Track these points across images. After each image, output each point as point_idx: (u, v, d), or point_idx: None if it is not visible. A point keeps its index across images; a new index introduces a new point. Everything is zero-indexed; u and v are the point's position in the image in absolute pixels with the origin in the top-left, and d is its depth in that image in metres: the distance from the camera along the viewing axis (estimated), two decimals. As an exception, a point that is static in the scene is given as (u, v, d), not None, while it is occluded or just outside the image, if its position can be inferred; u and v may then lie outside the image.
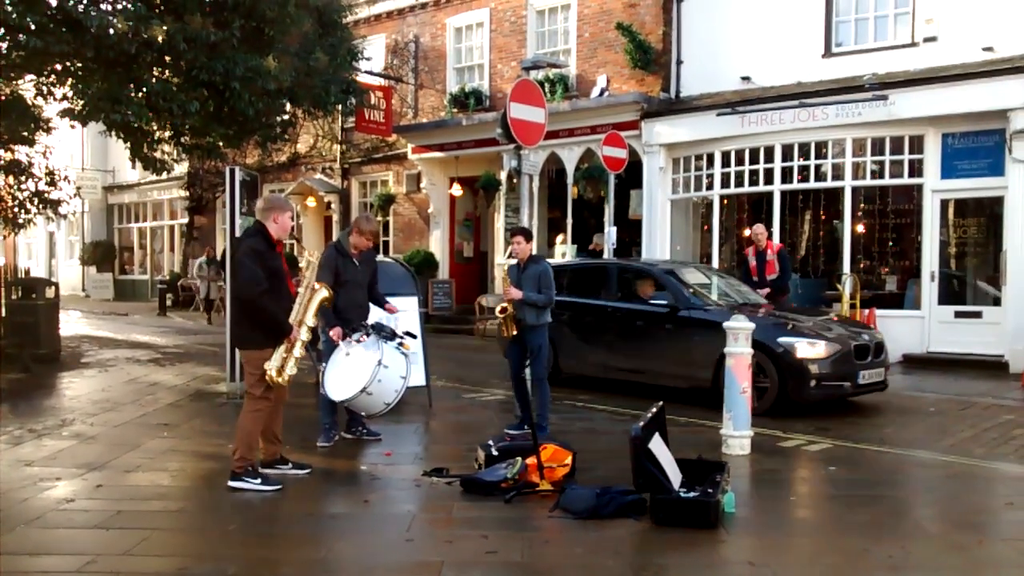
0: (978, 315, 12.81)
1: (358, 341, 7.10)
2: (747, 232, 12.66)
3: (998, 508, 6.09)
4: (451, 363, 12.93)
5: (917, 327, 13.05)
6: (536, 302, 7.89)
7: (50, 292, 13.56)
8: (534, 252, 8.19)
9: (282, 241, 6.30)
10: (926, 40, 13.34)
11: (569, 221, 16.85)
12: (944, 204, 13.15)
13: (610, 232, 14.63)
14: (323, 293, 6.35)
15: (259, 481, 6.10)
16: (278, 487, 6.10)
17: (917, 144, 13.08)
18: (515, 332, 7.90)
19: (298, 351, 6.17)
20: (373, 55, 19.73)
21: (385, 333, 7.18)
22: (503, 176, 17.30)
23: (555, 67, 15.95)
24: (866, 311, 12.56)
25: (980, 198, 13.04)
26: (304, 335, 6.20)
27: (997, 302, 12.61)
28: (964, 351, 12.61)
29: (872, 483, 6.71)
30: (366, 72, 18.18)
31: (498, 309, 7.96)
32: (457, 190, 19.19)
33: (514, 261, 8.17)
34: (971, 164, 12.73)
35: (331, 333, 7.24)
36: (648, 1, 16.07)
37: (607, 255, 14.82)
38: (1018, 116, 12.01)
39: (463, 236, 20.09)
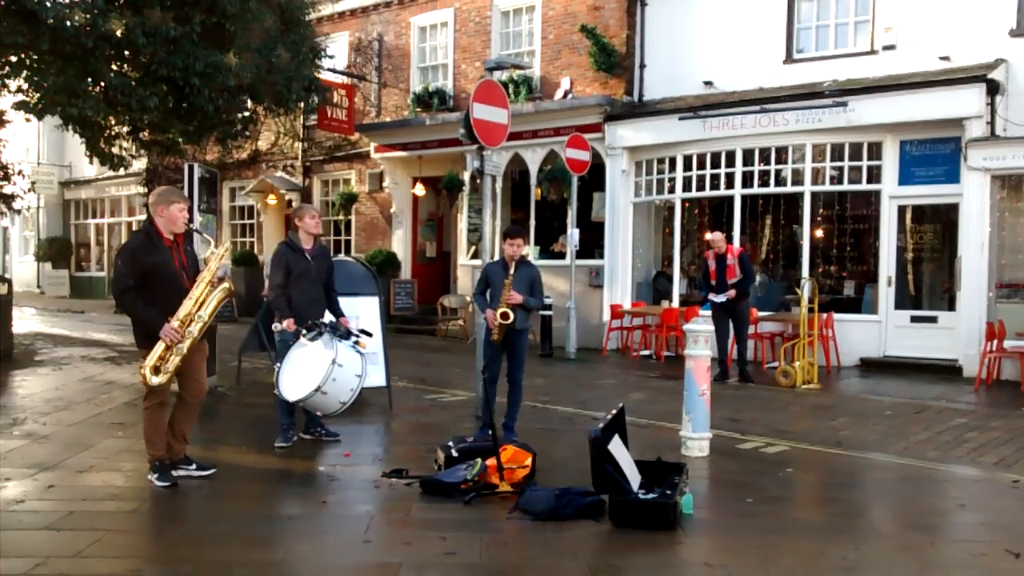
0: (933, 320, 13.03)
1: (311, 340, 7.04)
2: (708, 236, 12.78)
3: (951, 510, 6.19)
4: (412, 364, 12.88)
5: (874, 331, 13.24)
6: (535, 307, 7.84)
7: (3, 288, 13.26)
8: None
9: (178, 233, 6.09)
10: (885, 48, 13.54)
11: (532, 223, 16.86)
12: (901, 210, 13.34)
13: (573, 234, 14.67)
14: (224, 286, 6.08)
15: (156, 476, 6.10)
16: (168, 484, 6.04)
17: (875, 151, 13.26)
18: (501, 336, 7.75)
19: (184, 347, 5.92)
20: (336, 53, 19.59)
21: (340, 332, 7.14)
22: (466, 176, 17.27)
23: (519, 68, 15.94)
24: (824, 315, 12.71)
25: (936, 205, 13.25)
26: (195, 330, 5.94)
27: (952, 307, 12.82)
28: (919, 355, 12.82)
29: (828, 485, 6.79)
30: (329, 70, 18.03)
31: (500, 314, 7.58)
32: (420, 190, 19.11)
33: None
34: (928, 171, 12.93)
35: (284, 324, 7.17)
36: (612, 4, 16.14)
37: (570, 258, 14.85)
38: (973, 125, 12.23)
39: (426, 236, 20.03)
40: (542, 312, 14.72)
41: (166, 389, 6.12)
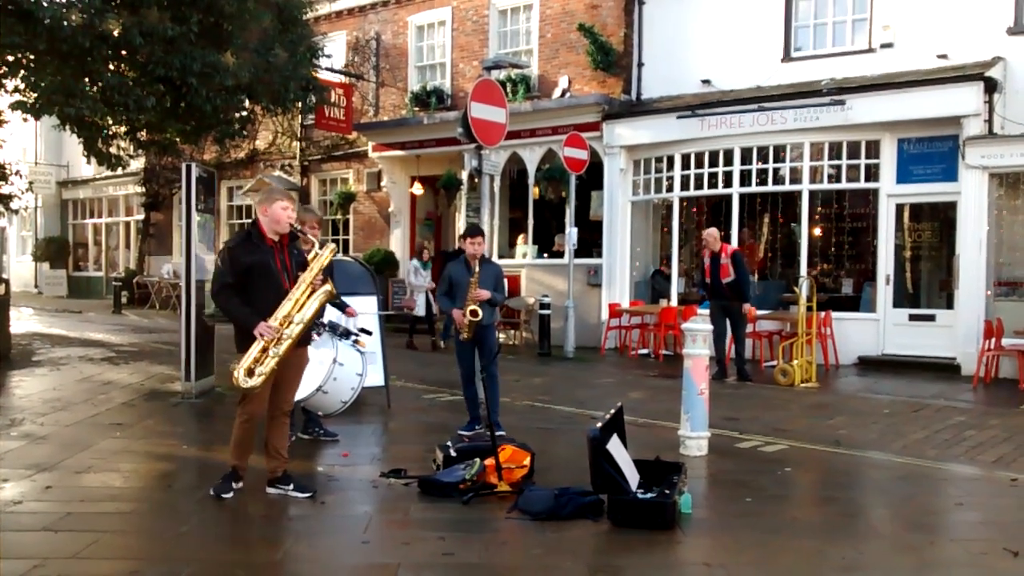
0: (931, 318, 13.03)
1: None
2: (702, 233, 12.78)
3: (949, 509, 6.19)
4: (411, 363, 12.87)
5: (872, 329, 13.24)
6: (501, 302, 7.99)
7: (0, 288, 13.26)
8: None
9: (282, 234, 5.81)
10: (883, 46, 13.54)
11: (530, 222, 16.86)
12: (899, 208, 13.34)
13: (571, 233, 14.66)
14: (326, 288, 5.86)
15: (216, 484, 5.91)
16: (220, 495, 5.83)
17: (873, 149, 13.26)
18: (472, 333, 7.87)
19: (281, 349, 5.66)
20: (334, 52, 19.58)
21: (340, 331, 7.13)
22: (464, 176, 17.26)
23: (517, 67, 15.95)
24: (822, 314, 12.71)
25: (934, 203, 13.25)
26: (293, 332, 5.69)
27: (950, 305, 12.81)
28: (918, 353, 12.82)
29: (826, 484, 6.79)
30: (326, 69, 18.03)
31: (469, 312, 7.69)
32: (418, 189, 19.11)
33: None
34: (926, 169, 12.93)
35: None
36: (610, 3, 16.13)
37: (568, 257, 14.85)
38: (971, 123, 12.23)
39: (424, 235, 20.00)
40: (540, 311, 14.73)
41: (260, 403, 5.82)
